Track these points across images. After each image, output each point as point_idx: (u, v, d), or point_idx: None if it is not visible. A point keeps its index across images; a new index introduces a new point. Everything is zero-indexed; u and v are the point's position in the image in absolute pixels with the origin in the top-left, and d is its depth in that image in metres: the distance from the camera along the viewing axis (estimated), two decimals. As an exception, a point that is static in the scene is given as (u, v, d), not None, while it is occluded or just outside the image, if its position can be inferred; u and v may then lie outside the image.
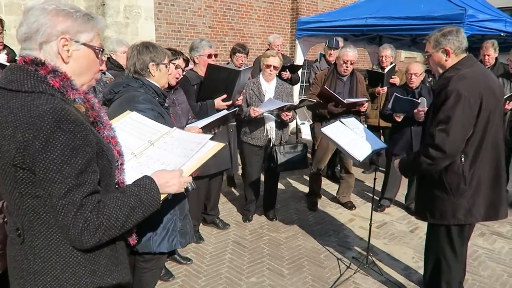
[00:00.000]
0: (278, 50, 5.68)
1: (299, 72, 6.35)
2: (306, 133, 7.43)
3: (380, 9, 7.12)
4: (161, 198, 1.40)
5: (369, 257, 3.23)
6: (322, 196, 4.88)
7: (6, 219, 1.41)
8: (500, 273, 3.25)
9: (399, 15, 6.56)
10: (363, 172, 6.05)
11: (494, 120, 2.25)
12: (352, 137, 2.78)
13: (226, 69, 3.48)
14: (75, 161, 1.17)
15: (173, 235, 2.24)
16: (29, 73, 1.22)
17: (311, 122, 5.38)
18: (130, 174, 1.51)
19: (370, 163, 6.12)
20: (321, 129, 2.73)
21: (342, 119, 2.93)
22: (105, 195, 1.28)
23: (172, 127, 1.95)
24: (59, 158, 1.14)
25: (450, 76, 2.22)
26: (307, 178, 5.57)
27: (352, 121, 2.98)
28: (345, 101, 3.93)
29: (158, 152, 1.66)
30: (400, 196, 4.73)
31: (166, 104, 2.49)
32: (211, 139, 1.78)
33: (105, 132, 1.41)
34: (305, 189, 5.23)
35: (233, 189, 5.16)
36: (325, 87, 3.94)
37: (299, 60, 7.99)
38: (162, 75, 2.31)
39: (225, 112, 2.96)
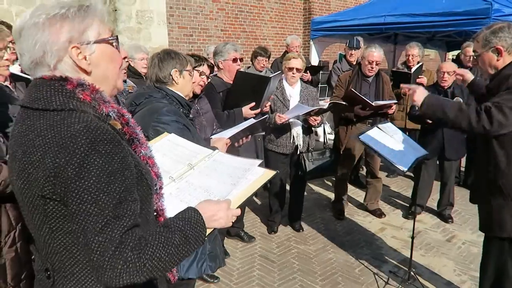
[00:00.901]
0: (297, 52, 5.50)
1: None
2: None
3: (398, 6, 6.89)
4: (206, 234, 1.20)
5: (411, 272, 3.00)
6: (349, 204, 4.66)
7: (33, 256, 1.23)
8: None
9: (419, 11, 6.32)
10: (387, 176, 5.81)
11: None
12: (393, 145, 2.57)
13: (256, 75, 3.31)
14: (113, 188, 0.99)
15: (202, 259, 2.06)
16: (57, 88, 1.05)
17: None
18: (168, 201, 1.31)
19: (394, 167, 5.90)
20: (359, 137, 2.52)
21: (380, 125, 2.72)
22: (146, 229, 1.08)
23: (211, 148, 1.76)
24: (95, 186, 0.97)
25: (509, 74, 2.01)
26: (329, 183, 5.37)
27: (389, 126, 2.77)
28: (373, 104, 3.72)
29: (199, 177, 1.47)
30: (431, 202, 4.49)
31: (190, 115, 2.31)
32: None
33: (142, 151, 1.22)
34: (329, 195, 5.02)
35: (255, 198, 4.96)
36: (352, 89, 3.73)
37: (314, 61, 7.77)
38: (186, 83, 2.14)
39: (252, 121, 2.76)
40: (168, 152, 1.60)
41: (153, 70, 2.10)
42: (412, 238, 3.04)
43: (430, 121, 3.94)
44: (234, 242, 3.74)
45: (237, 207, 1.31)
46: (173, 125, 1.87)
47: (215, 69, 3.36)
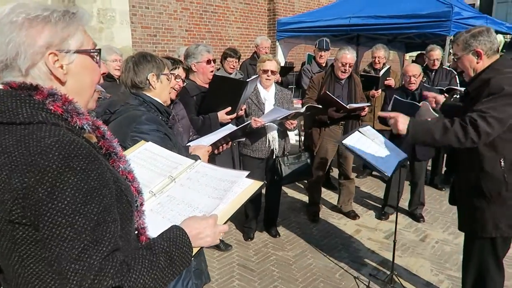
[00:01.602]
0: (266, 53, 5.43)
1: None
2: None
3: (363, 8, 7.01)
4: (193, 254, 1.10)
5: (394, 276, 3.00)
6: (322, 206, 4.64)
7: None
8: (525, 282, 3.12)
9: (384, 14, 6.45)
10: (356, 177, 5.85)
11: None
12: (375, 149, 2.55)
13: (232, 80, 3.20)
14: (90, 209, 0.89)
15: (188, 277, 1.94)
16: (23, 99, 0.94)
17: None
18: (150, 218, 1.20)
19: (363, 167, 5.97)
20: (342, 141, 2.48)
21: (360, 129, 2.70)
22: (127, 251, 0.99)
23: (193, 158, 1.64)
24: (70, 207, 0.86)
25: (488, 77, 2.05)
26: (301, 186, 5.35)
27: (369, 130, 2.75)
28: (347, 107, 3.72)
29: (181, 190, 1.35)
30: (402, 202, 4.55)
31: (169, 124, 2.17)
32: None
33: (120, 165, 1.12)
34: (302, 198, 4.99)
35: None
36: (327, 92, 3.71)
37: (280, 62, 7.76)
38: (164, 88, 2.00)
39: (233, 127, 2.65)
40: (146, 162, 1.47)
41: (128, 75, 1.94)
42: (394, 242, 3.05)
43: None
44: (210, 251, 3.61)
45: (224, 223, 1.23)
46: (153, 135, 1.73)
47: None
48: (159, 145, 1.58)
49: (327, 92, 3.70)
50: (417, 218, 4.29)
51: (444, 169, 5.65)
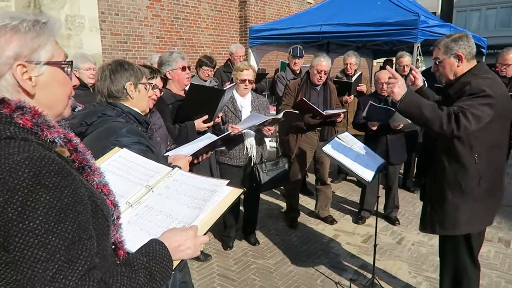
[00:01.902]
0: (240, 61, 5.42)
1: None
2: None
3: (334, 15, 7.12)
4: (173, 267, 1.08)
5: (375, 280, 3.03)
6: (300, 212, 4.65)
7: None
8: (497, 280, 3.22)
9: (354, 21, 6.58)
10: (332, 181, 5.92)
11: (507, 126, 2.25)
12: (355, 155, 2.58)
13: (210, 88, 3.17)
14: (64, 227, 0.86)
15: (174, 291, 1.87)
16: None
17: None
18: (127, 231, 1.16)
19: (338, 172, 6.05)
20: (322, 148, 2.49)
21: (339, 135, 2.72)
22: (105, 268, 0.96)
23: (171, 166, 1.59)
24: (42, 227, 0.83)
25: (468, 81, 2.14)
26: (278, 192, 5.35)
27: (347, 136, 2.78)
28: (324, 113, 3.76)
29: (159, 200, 1.31)
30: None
31: (148, 134, 2.11)
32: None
33: (94, 179, 1.08)
34: (280, 204, 4.99)
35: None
36: (304, 98, 3.73)
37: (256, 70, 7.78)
38: (141, 97, 1.94)
39: (214, 137, 2.61)
40: (121, 171, 1.42)
41: (104, 84, 1.86)
42: (375, 246, 3.08)
43: (374, 129, 4.09)
44: (190, 262, 3.51)
45: (204, 233, 1.19)
46: (135, 148, 1.67)
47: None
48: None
49: (304, 98, 3.72)
50: (393, 221, 4.38)
51: (415, 172, 5.79)
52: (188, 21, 9.00)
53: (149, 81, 2.40)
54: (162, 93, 2.63)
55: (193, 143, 2.55)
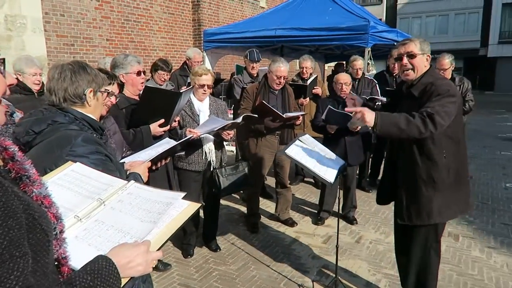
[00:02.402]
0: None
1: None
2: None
3: (287, 20, 7.23)
4: (122, 285, 1.01)
5: (338, 280, 3.06)
6: (260, 216, 4.63)
7: None
8: (450, 273, 3.38)
9: (307, 26, 6.71)
10: (290, 183, 5.97)
11: (461, 121, 2.50)
12: (317, 157, 2.59)
13: (165, 91, 3.05)
14: None
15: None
16: None
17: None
18: (74, 246, 1.08)
19: (295, 174, 6.11)
20: (285, 151, 2.48)
21: (300, 138, 2.73)
22: (43, 287, 0.87)
23: (126, 179, 1.51)
24: None
25: (428, 82, 2.32)
26: (237, 196, 5.30)
27: (309, 138, 2.80)
28: (284, 116, 3.77)
29: (112, 214, 1.24)
30: (335, 205, 4.72)
31: (103, 140, 1.98)
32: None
33: (34, 190, 1.00)
34: (240, 209, 4.95)
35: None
36: (264, 102, 3.72)
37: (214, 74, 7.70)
38: (98, 105, 1.80)
39: (173, 142, 2.51)
40: (72, 185, 1.32)
41: (62, 85, 1.68)
42: (337, 247, 3.12)
43: (333, 132, 4.18)
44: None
45: (158, 249, 1.14)
46: (92, 157, 1.55)
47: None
48: (100, 168, 1.42)
49: (264, 102, 3.71)
50: (351, 220, 4.48)
51: (369, 171, 5.98)
52: (140, 23, 8.74)
53: (106, 88, 2.27)
54: (118, 99, 2.49)
55: (151, 149, 2.45)
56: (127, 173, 2.02)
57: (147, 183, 2.89)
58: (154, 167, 2.35)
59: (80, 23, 7.32)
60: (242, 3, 11.83)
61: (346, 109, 2.33)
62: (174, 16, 9.64)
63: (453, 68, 5.16)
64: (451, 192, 2.38)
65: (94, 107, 1.76)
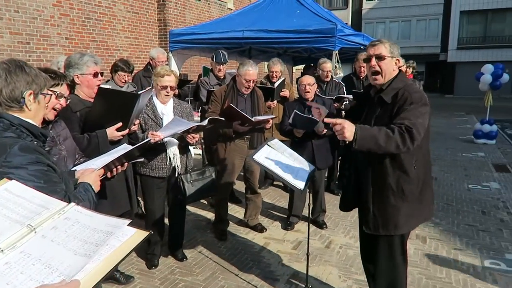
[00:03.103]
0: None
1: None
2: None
3: (255, 22, 7.14)
4: None
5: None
6: (229, 222, 4.49)
7: None
8: (419, 276, 3.37)
9: (275, 28, 6.65)
10: (258, 187, 5.87)
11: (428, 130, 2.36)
12: (286, 163, 2.49)
13: (122, 92, 2.85)
14: None
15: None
16: None
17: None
18: None
19: (264, 178, 6.01)
20: (253, 157, 2.36)
21: (269, 143, 2.62)
22: None
23: (74, 190, 1.33)
24: None
25: (399, 87, 2.23)
26: (205, 202, 5.13)
27: (278, 143, 2.69)
28: (253, 120, 3.65)
29: (41, 244, 1.06)
30: (304, 210, 4.65)
31: (46, 148, 1.79)
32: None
33: None
34: (207, 215, 4.78)
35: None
36: (232, 105, 3.59)
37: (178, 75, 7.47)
38: (39, 109, 1.60)
39: (129, 147, 2.32)
40: (2, 207, 1.14)
41: None
42: (307, 255, 3.04)
43: (300, 136, 4.11)
44: (109, 286, 3.17)
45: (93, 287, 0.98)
46: (31, 168, 1.36)
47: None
48: (41, 181, 1.25)
49: (232, 105, 3.58)
50: (320, 225, 4.42)
51: (338, 174, 5.97)
52: (102, 22, 8.39)
53: (52, 89, 2.06)
54: (69, 101, 2.28)
55: (107, 155, 2.25)
56: (77, 183, 1.83)
57: (103, 192, 2.70)
58: (109, 175, 2.17)
59: (36, 20, 6.92)
60: (209, 3, 11.65)
61: (326, 119, 2.20)
62: (138, 16, 9.33)
63: (413, 71, 5.32)
64: (418, 201, 2.31)
65: (35, 111, 1.56)
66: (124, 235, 1.10)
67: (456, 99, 25.69)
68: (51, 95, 1.69)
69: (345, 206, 2.67)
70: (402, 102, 2.17)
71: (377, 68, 2.26)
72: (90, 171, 1.99)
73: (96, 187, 1.81)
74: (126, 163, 2.29)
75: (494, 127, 9.56)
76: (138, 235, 1.13)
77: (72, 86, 2.31)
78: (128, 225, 1.15)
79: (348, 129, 2.06)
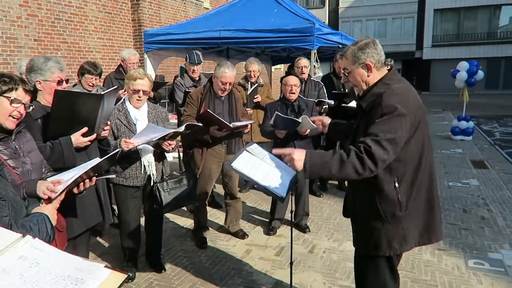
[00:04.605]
0: (134, 68, 4.91)
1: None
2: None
3: (232, 21, 7.00)
4: None
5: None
6: (209, 228, 4.34)
7: None
8: (404, 280, 3.30)
9: (253, 27, 6.52)
10: (239, 191, 5.73)
11: (428, 138, 2.10)
12: (266, 170, 2.35)
13: (83, 94, 2.64)
14: None
15: None
16: None
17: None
18: None
19: (245, 181, 5.88)
20: (231, 165, 2.22)
21: (248, 148, 2.48)
22: None
23: (24, 233, 1.11)
24: None
25: (380, 92, 1.99)
26: (184, 208, 4.95)
27: (256, 148, 2.55)
28: (231, 125, 3.51)
29: None
30: (287, 213, 4.55)
31: (4, 156, 1.61)
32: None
33: None
34: (187, 222, 4.62)
35: (101, 240, 4.16)
36: (208, 110, 3.44)
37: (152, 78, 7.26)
38: None
39: (97, 159, 2.13)
40: None
41: None
42: (291, 264, 2.92)
43: (282, 137, 4.00)
44: (81, 306, 2.97)
45: None
46: None
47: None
48: None
49: (208, 110, 3.43)
50: (303, 229, 4.32)
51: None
52: (73, 23, 8.07)
53: (4, 95, 1.88)
54: (32, 108, 2.08)
55: (77, 169, 2.07)
56: (32, 212, 1.65)
57: (72, 209, 2.51)
58: (76, 190, 2.00)
59: (2, 21, 6.58)
60: (185, 3, 11.42)
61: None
62: (111, 16, 9.03)
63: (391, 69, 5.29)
64: (408, 223, 2.04)
65: None
66: (97, 280, 0.91)
67: (432, 96, 26.18)
68: (10, 100, 1.51)
69: (345, 212, 2.51)
70: (374, 112, 1.95)
71: (351, 81, 2.12)
72: (61, 182, 1.84)
73: (54, 221, 1.64)
74: (94, 178, 2.11)
75: (470, 123, 9.71)
76: (114, 278, 0.94)
77: (33, 91, 2.11)
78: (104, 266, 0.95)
79: (297, 159, 1.91)
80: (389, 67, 2.15)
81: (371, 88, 2.05)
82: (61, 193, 1.76)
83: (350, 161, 1.85)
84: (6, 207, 1.27)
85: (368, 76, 2.06)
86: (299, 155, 1.92)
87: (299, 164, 1.91)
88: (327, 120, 2.55)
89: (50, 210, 1.58)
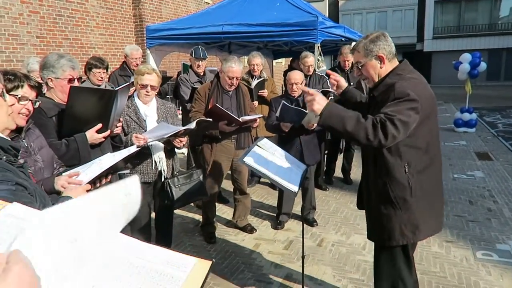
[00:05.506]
0: (137, 64, 4.91)
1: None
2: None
3: (234, 16, 6.97)
4: None
5: (304, 292, 2.88)
6: (217, 224, 4.36)
7: None
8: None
9: (255, 21, 6.50)
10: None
11: (437, 128, 2.16)
12: (278, 164, 2.37)
13: (98, 90, 2.64)
14: None
15: None
16: None
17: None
18: None
19: (251, 175, 5.89)
20: (243, 159, 2.23)
21: (258, 143, 2.50)
22: None
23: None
24: None
25: (392, 82, 2.02)
26: (192, 204, 4.98)
27: (267, 143, 2.57)
28: (240, 120, 3.52)
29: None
30: (294, 207, 4.57)
31: (21, 160, 1.61)
32: None
33: None
34: (195, 217, 4.64)
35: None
36: (217, 105, 3.44)
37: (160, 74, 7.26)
38: None
39: (112, 158, 2.14)
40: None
41: None
42: (303, 257, 2.93)
43: (287, 130, 4.00)
44: (94, 301, 3.00)
45: None
46: None
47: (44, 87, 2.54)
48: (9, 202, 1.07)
49: (217, 105, 3.43)
50: (311, 222, 4.34)
51: (325, 169, 5.91)
52: (75, 19, 8.05)
53: (11, 93, 1.88)
54: (38, 103, 2.08)
55: (91, 164, 2.08)
56: (61, 196, 1.67)
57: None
58: (91, 188, 2.01)
59: (4, 18, 6.56)
60: (186, -2, 11.39)
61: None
62: (113, 11, 9.00)
63: None
64: (420, 210, 2.07)
65: None
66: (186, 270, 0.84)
67: (433, 88, 25.59)
68: (18, 97, 1.51)
69: (359, 205, 2.53)
70: (386, 98, 1.99)
71: (364, 76, 2.15)
72: (77, 182, 1.86)
73: None
74: (110, 175, 2.13)
75: (473, 115, 9.71)
76: (201, 266, 0.86)
77: (37, 87, 2.10)
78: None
79: (318, 102, 1.93)
80: (401, 59, 2.17)
81: (383, 79, 2.09)
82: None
83: (365, 124, 1.90)
84: (35, 202, 1.28)
85: (380, 67, 2.11)
86: (321, 100, 1.94)
87: (317, 108, 1.93)
88: (344, 83, 2.50)
89: (81, 194, 1.59)
